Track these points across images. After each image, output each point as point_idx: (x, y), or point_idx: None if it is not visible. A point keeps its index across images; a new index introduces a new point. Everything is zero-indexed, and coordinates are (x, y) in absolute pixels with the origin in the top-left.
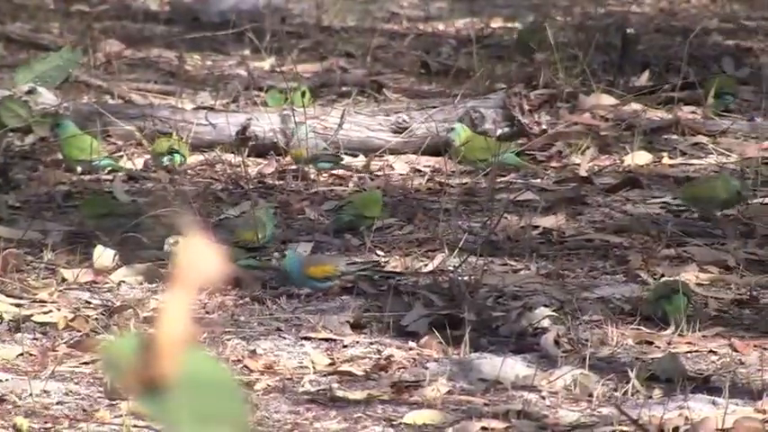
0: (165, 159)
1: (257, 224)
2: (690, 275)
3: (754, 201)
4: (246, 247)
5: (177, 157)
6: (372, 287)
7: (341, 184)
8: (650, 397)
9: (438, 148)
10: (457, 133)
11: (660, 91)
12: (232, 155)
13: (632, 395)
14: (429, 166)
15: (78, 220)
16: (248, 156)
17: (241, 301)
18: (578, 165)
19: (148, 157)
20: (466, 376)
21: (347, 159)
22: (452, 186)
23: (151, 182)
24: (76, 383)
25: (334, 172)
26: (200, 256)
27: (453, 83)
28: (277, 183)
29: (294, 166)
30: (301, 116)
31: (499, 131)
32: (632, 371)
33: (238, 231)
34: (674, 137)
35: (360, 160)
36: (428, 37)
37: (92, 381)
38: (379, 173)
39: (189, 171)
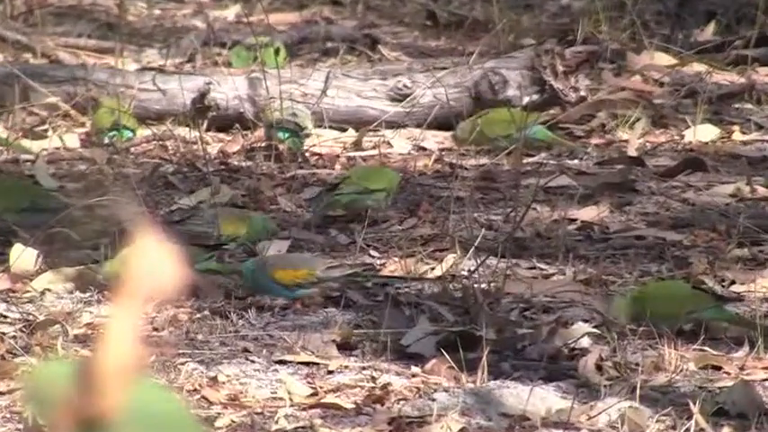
0: (109, 136)
1: (241, 216)
2: (766, 281)
3: None
4: (204, 246)
5: (125, 133)
6: (365, 297)
7: (325, 167)
8: None
9: (448, 121)
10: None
11: (729, 48)
12: (187, 129)
13: None
14: (437, 143)
15: None
16: (207, 130)
17: (198, 315)
18: (626, 141)
19: (83, 131)
20: (484, 410)
21: (331, 134)
22: (467, 169)
23: (84, 163)
24: None
25: (317, 151)
26: (149, 259)
27: (467, 38)
28: (244, 164)
29: (265, 143)
30: (274, 80)
31: (526, 99)
32: (695, 403)
33: (224, 224)
34: (748, 106)
35: (349, 135)
36: None
37: (8, 416)
38: (373, 151)
39: (132, 149)
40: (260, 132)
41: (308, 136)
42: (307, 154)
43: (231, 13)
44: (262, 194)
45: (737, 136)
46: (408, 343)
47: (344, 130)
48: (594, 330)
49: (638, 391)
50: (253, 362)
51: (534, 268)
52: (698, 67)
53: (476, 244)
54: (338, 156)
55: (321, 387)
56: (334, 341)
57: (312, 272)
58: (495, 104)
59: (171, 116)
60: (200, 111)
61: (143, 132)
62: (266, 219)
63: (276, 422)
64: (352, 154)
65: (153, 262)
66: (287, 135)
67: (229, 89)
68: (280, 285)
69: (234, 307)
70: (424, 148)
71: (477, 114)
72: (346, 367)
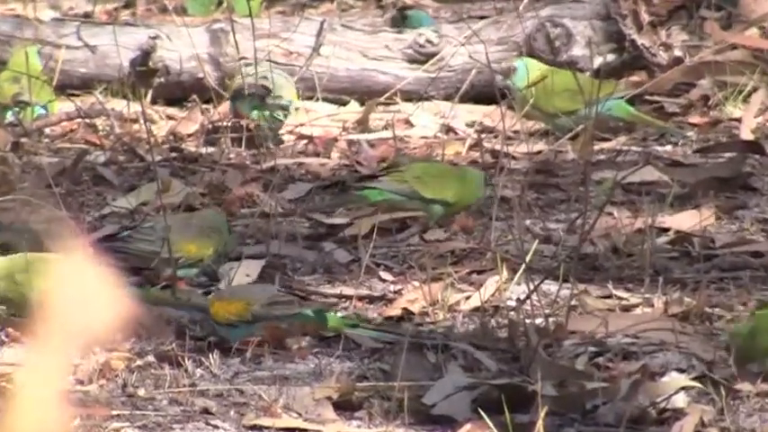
0: (13, 111)
1: (208, 231)
2: None
3: None
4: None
5: (37, 108)
6: (372, 338)
7: (317, 154)
8: None
9: (490, 90)
10: (520, 76)
11: None
12: (124, 101)
13: None
14: (473, 123)
15: None
16: (153, 103)
17: (139, 362)
18: (739, 120)
19: None
20: None
21: (326, 109)
22: (515, 158)
23: None
24: None
25: (305, 132)
26: (72, 285)
27: None
28: (204, 151)
29: (232, 122)
30: (246, 33)
31: (598, 61)
32: None
33: (181, 243)
34: None
35: (351, 111)
36: None
37: None
38: (385, 133)
39: (47, 130)
40: (226, 107)
41: (284, 110)
42: (290, 136)
43: None
44: (229, 193)
45: None
46: (433, 401)
47: (345, 103)
48: (694, 384)
49: None
50: (216, 427)
51: (610, 297)
52: None
53: (527, 261)
54: (336, 139)
55: None
56: (329, 398)
57: (249, 306)
58: (554, 67)
59: (102, 84)
60: (143, 76)
61: (62, 107)
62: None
63: None
64: (355, 137)
65: (78, 288)
66: (255, 108)
67: (184, 46)
68: (215, 322)
69: (189, 350)
70: (456, 130)
71: (530, 81)
72: None
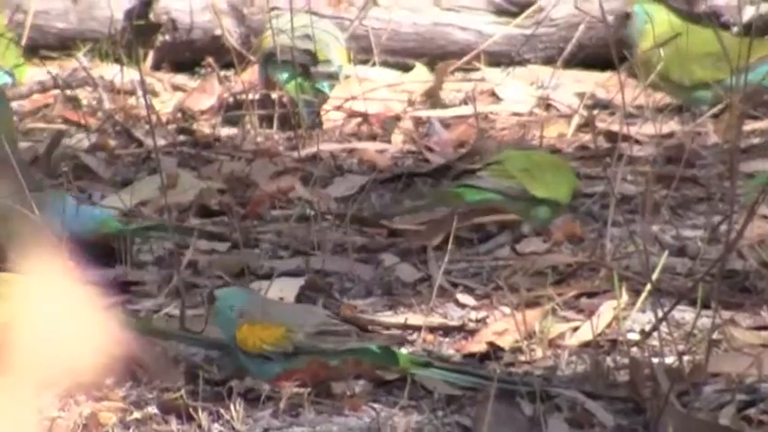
0: None
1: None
2: None
3: None
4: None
5: (1, 76)
6: (445, 382)
7: (374, 137)
8: None
9: (604, 52)
10: (640, 28)
11: None
12: (116, 66)
13: None
14: (581, 96)
15: None
16: (155, 68)
17: (137, 414)
18: None
19: None
20: None
21: (386, 77)
22: (639, 142)
23: None
24: None
25: (358, 108)
26: (48, 315)
27: None
28: (224, 133)
29: (262, 94)
30: None
31: (749, 13)
32: None
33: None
34: None
35: (418, 79)
36: None
37: None
38: (464, 109)
39: (15, 105)
40: (253, 74)
41: (332, 78)
42: (338, 114)
43: None
44: (255, 189)
45: None
46: None
47: (410, 69)
48: None
49: None
50: None
51: (765, 328)
52: None
53: (653, 279)
54: (398, 117)
55: None
56: None
57: (290, 333)
58: (690, 23)
59: (86, 43)
60: (142, 33)
61: (33, 74)
62: None
63: None
64: (423, 113)
65: (55, 318)
66: (287, 77)
67: None
68: (242, 352)
69: (203, 399)
70: (559, 105)
71: (657, 41)
72: None
